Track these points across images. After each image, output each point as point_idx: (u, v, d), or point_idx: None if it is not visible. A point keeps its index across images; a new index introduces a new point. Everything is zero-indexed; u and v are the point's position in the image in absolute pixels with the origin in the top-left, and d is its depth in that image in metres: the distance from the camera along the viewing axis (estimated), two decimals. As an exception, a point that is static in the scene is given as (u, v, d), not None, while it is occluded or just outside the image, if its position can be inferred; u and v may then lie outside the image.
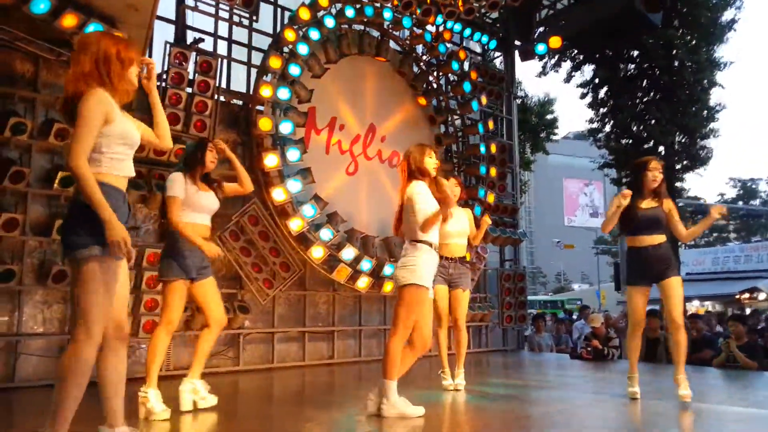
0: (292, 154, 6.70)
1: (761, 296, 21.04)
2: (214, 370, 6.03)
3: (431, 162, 4.00)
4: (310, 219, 6.69)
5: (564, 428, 3.82)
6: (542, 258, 53.90)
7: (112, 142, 2.60)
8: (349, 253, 6.95)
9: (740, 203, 38.68)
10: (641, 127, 15.07)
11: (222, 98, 6.52)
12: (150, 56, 6.07)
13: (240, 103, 6.88)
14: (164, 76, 5.94)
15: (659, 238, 4.56)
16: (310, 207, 6.70)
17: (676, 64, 14.69)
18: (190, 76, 6.09)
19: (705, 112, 15.51)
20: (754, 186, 41.48)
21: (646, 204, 4.57)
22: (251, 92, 6.82)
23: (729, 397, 5.29)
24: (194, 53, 6.15)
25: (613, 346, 7.91)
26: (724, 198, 40.23)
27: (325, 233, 6.81)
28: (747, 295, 21.24)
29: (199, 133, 6.02)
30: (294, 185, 6.63)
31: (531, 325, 10.08)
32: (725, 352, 6.99)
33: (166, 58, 5.94)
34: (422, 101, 8.68)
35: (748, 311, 18.29)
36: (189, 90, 6.06)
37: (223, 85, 6.62)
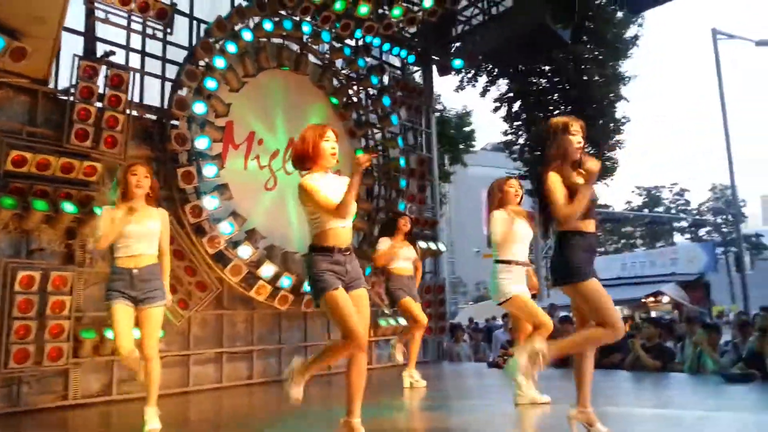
0: (209, 170, 6.57)
1: (665, 299, 22.36)
2: (125, 396, 5.80)
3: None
4: (227, 236, 6.58)
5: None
6: (463, 268, 55.11)
7: None
8: (268, 270, 6.86)
9: (646, 210, 40.91)
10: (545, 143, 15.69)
11: (134, 113, 6.32)
12: (57, 70, 5.82)
13: (154, 117, 6.68)
14: (72, 91, 5.71)
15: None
16: (227, 224, 6.59)
17: (585, 78, 15.42)
18: (101, 90, 5.87)
19: (611, 124, 16.35)
20: (658, 194, 43.95)
21: (578, 180, 3.43)
22: (166, 107, 6.64)
23: (636, 399, 5.60)
24: (105, 67, 5.93)
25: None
26: (631, 206, 42.45)
27: (244, 250, 6.71)
28: (652, 299, 22.51)
29: (109, 149, 5.81)
30: (210, 202, 6.50)
31: (449, 336, 10.27)
32: (632, 352, 7.34)
33: (75, 71, 5.70)
34: (342, 115, 8.72)
35: (653, 314, 19.39)
36: (99, 105, 5.83)
37: (136, 99, 6.41)
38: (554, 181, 3.44)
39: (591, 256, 3.45)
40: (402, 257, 6.24)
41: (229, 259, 6.58)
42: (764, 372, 6.01)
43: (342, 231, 3.43)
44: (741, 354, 6.59)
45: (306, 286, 7.10)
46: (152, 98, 6.77)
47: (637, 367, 7.18)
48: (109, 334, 5.21)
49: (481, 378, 7.54)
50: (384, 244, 6.25)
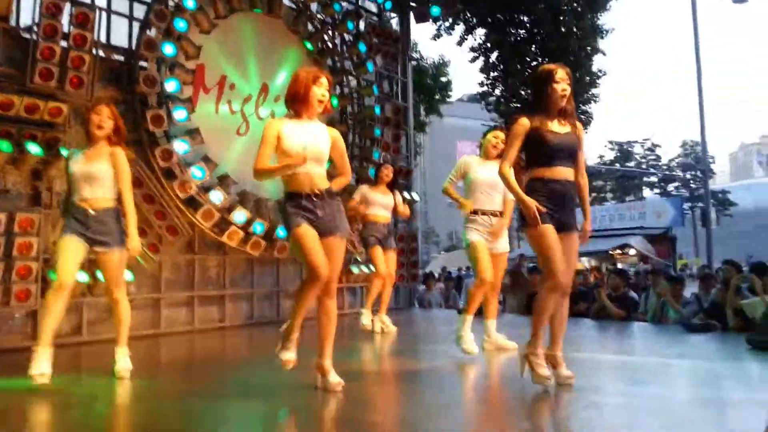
0: (179, 114, 6.46)
1: (632, 252, 22.94)
2: (97, 337, 5.82)
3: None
4: (198, 181, 6.52)
5: (449, 380, 4.09)
6: (437, 218, 55.69)
7: None
8: (240, 215, 6.85)
9: (617, 165, 41.37)
10: (529, 91, 15.67)
11: (101, 53, 6.14)
12: (18, 6, 5.59)
13: (121, 58, 6.49)
14: (35, 29, 5.50)
15: (572, 173, 3.51)
16: (198, 169, 6.52)
17: (563, 29, 15.29)
18: (65, 29, 5.66)
19: (588, 78, 16.32)
20: (630, 149, 44.37)
21: (557, 127, 3.45)
22: (134, 48, 6.45)
23: (600, 346, 5.79)
24: (69, 4, 5.71)
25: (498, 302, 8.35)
26: (603, 159, 42.87)
27: (216, 196, 6.67)
28: (619, 251, 23.09)
29: (75, 90, 5.66)
30: (181, 146, 6.41)
31: (422, 283, 10.44)
32: (598, 302, 7.56)
33: (37, 8, 5.48)
34: (317, 61, 8.56)
35: (620, 266, 19.87)
36: (64, 44, 5.63)
37: (103, 39, 6.22)
38: (516, 127, 3.49)
39: (555, 203, 3.38)
40: (378, 204, 6.30)
41: (200, 203, 6.53)
42: (724, 323, 6.21)
43: (307, 177, 3.37)
44: (703, 305, 6.80)
45: (278, 232, 7.13)
46: (120, 39, 6.57)
47: (603, 316, 7.42)
48: (81, 276, 5.19)
49: (451, 324, 7.59)
50: (358, 192, 6.33)
